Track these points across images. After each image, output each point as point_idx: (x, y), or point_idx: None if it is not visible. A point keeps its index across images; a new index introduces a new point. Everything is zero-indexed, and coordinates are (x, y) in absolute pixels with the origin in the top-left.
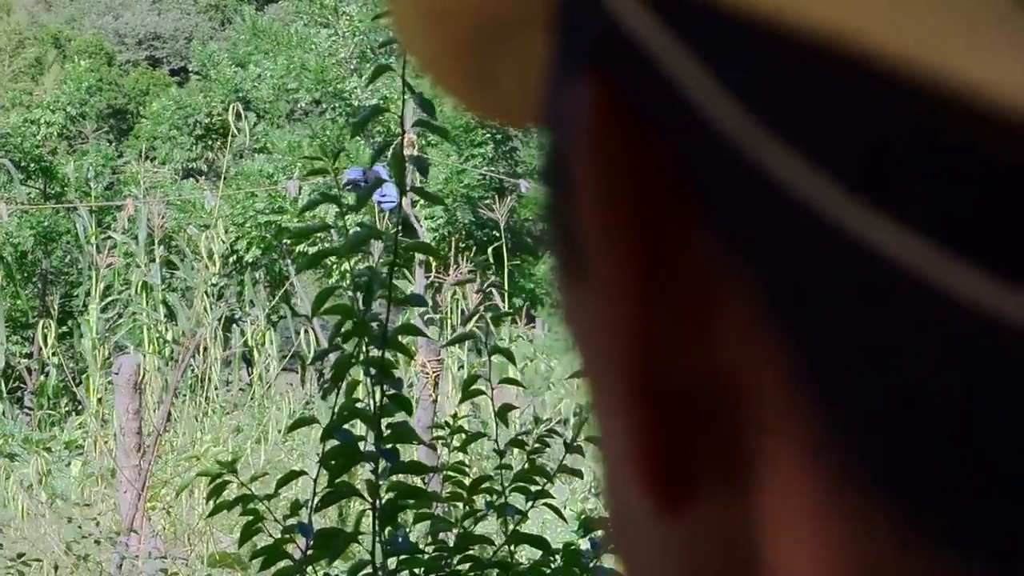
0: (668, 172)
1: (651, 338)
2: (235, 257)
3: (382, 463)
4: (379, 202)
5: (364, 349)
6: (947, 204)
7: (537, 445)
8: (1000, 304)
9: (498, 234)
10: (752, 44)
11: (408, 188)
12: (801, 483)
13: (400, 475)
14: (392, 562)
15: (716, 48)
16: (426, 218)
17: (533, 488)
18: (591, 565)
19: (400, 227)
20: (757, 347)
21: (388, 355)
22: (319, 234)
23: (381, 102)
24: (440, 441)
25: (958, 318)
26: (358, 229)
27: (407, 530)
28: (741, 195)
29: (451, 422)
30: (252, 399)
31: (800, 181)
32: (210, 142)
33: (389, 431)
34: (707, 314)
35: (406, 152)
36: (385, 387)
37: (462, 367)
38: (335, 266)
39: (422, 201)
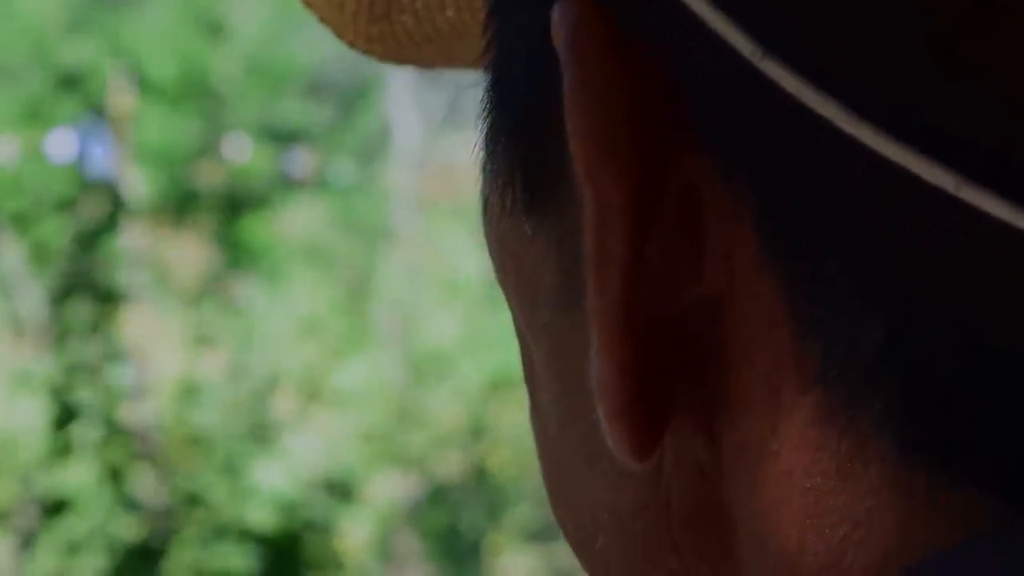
0: (664, 95)
1: (641, 264)
2: None
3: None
4: (84, 164)
5: (90, 310)
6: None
7: (261, 402)
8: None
9: (214, 195)
10: None
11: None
12: (792, 417)
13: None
14: (120, 522)
15: None
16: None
17: (260, 444)
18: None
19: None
20: (753, 280)
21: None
22: (20, 194)
23: (87, 63)
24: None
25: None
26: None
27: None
28: (751, 123)
29: (173, 383)
30: None
31: (819, 108)
32: None
33: (110, 392)
34: (699, 241)
35: (121, 112)
36: (110, 347)
37: (184, 328)
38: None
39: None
